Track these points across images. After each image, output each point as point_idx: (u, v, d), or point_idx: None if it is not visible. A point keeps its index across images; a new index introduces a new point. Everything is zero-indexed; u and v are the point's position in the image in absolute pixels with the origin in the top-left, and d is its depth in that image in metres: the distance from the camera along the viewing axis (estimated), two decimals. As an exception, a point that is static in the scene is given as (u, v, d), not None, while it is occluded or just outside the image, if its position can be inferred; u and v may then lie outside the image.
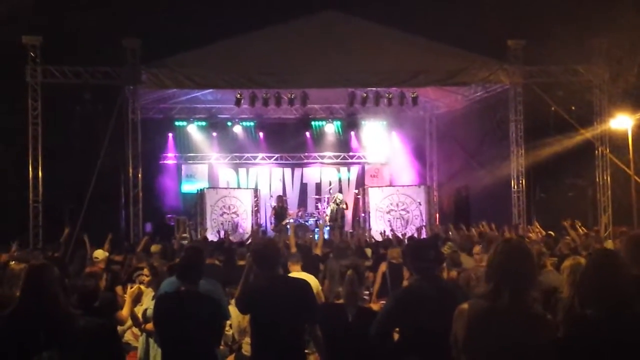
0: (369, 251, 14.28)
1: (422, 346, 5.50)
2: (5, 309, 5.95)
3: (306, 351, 6.73)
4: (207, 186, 27.24)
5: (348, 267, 6.88)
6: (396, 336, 5.92)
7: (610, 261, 4.46)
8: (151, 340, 8.30)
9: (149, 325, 7.96)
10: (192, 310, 6.25)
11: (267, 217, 27.20)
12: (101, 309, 7.16)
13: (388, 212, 25.15)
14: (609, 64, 21.29)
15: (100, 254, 12.42)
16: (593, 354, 4.15)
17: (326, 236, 24.60)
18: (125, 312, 7.99)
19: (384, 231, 20.49)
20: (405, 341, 5.69)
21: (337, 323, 6.52)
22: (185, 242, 21.27)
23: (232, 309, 7.89)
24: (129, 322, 9.00)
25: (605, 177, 22.18)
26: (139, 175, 21.86)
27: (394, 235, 19.90)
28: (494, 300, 4.11)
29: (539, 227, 18.68)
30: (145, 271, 9.47)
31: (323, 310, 7.00)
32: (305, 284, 6.59)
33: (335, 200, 26.35)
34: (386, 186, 27.23)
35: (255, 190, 26.94)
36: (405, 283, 7.15)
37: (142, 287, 9.07)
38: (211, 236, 22.49)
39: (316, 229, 25.79)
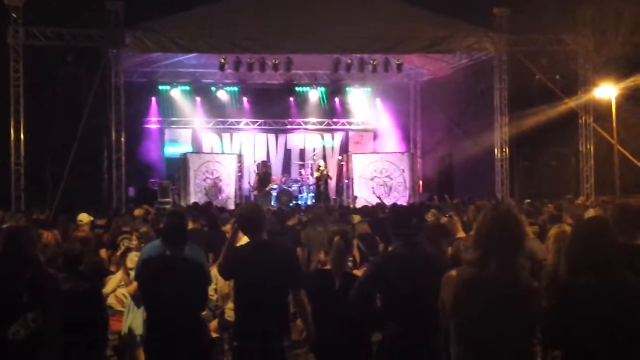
0: (357, 218, 14.28)
1: (402, 312, 5.51)
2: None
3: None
4: (191, 151, 27.16)
5: (335, 234, 6.88)
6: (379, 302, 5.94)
7: (599, 228, 4.49)
8: (131, 303, 8.29)
9: (130, 288, 7.97)
10: (178, 274, 6.27)
11: (250, 183, 27.16)
12: (86, 272, 7.16)
13: (372, 179, 25.19)
14: (593, 33, 21.28)
15: (84, 217, 12.39)
16: (582, 321, 4.18)
17: (309, 202, 24.75)
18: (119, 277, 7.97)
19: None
20: (385, 307, 5.70)
21: (324, 289, 6.54)
22: (167, 206, 21.35)
23: (214, 274, 7.89)
24: (112, 286, 9.01)
25: (588, 146, 22.32)
26: (122, 139, 21.77)
27: (381, 201, 19.97)
28: (481, 267, 4.12)
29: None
30: (134, 237, 9.44)
31: (310, 276, 7.02)
32: (289, 248, 6.59)
33: (319, 167, 26.32)
34: (370, 153, 27.26)
35: (239, 155, 26.85)
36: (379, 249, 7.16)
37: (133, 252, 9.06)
38: (193, 200, 22.48)
39: (299, 195, 25.85)
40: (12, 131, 20.48)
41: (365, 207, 17.39)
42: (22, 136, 20.54)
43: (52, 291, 6.04)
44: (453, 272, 4.26)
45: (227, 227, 9.70)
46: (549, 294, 4.56)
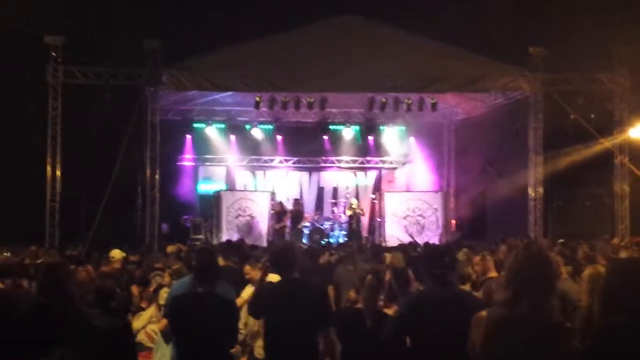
0: (388, 256, 14.17)
1: (433, 353, 5.47)
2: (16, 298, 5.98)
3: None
4: (224, 188, 27.29)
5: (368, 272, 6.85)
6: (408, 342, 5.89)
7: (635, 269, 4.42)
8: (161, 340, 8.31)
9: (161, 324, 7.98)
10: (209, 311, 6.27)
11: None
12: (117, 308, 7.18)
13: (404, 218, 25.09)
14: (630, 73, 21.16)
15: (116, 253, 12.45)
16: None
17: (340, 240, 24.69)
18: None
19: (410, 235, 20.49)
20: (416, 347, 5.65)
21: (356, 328, 6.50)
22: (199, 243, 21.47)
23: (243, 312, 7.88)
24: (143, 322, 9.02)
25: (623, 187, 22.04)
26: (157, 177, 21.89)
27: (413, 240, 19.85)
28: (512, 308, 4.09)
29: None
30: (166, 273, 9.48)
31: (341, 316, 6.99)
32: (319, 286, 6.57)
33: (351, 205, 26.26)
34: (403, 191, 27.17)
35: (272, 193, 26.93)
36: (411, 287, 7.11)
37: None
38: (226, 237, 22.54)
39: (331, 233, 25.80)
40: (48, 167, 20.74)
41: (397, 245, 17.29)
42: (58, 173, 20.79)
43: (83, 328, 6.05)
44: (483, 313, 4.23)
45: (247, 268, 9.71)
46: (582, 336, 4.50)
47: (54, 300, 5.90)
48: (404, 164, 29.33)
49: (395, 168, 29.52)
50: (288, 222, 25.71)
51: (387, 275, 11.15)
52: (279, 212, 25.30)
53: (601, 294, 4.52)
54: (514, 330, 4.05)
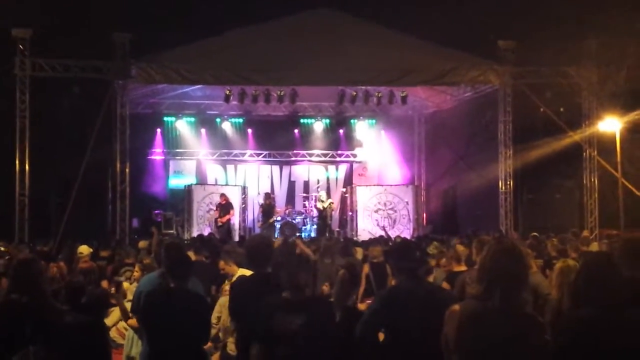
0: (359, 250, 14.20)
1: (407, 347, 5.49)
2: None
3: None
4: (195, 182, 27.19)
5: (342, 267, 6.86)
6: (382, 337, 5.90)
7: (604, 262, 4.48)
8: (135, 337, 8.27)
9: (132, 321, 7.94)
10: (182, 307, 6.23)
11: (254, 215, 27.14)
12: (89, 305, 7.12)
13: (376, 211, 25.17)
14: (598, 67, 21.34)
15: (84, 249, 12.41)
16: (587, 355, 4.15)
17: (312, 234, 24.71)
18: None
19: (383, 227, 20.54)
20: (389, 342, 5.66)
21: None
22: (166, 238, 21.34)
23: (220, 306, 7.85)
24: (114, 319, 8.97)
25: (592, 180, 22.25)
26: (127, 170, 21.74)
27: (386, 233, 19.95)
28: (485, 301, 4.12)
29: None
30: (136, 268, 9.43)
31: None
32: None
33: (320, 199, 26.18)
34: (374, 185, 27.22)
35: (243, 187, 26.87)
36: (389, 281, 7.14)
37: (126, 283, 9.05)
38: (197, 232, 22.46)
39: (303, 227, 25.80)
40: (17, 162, 20.47)
41: (368, 240, 17.34)
42: (27, 167, 20.54)
43: (55, 325, 6.00)
44: (456, 307, 4.26)
45: (222, 264, 9.67)
46: (556, 328, 4.54)
47: (26, 297, 5.84)
48: (374, 157, 29.37)
49: (366, 162, 29.52)
50: (232, 216, 25.10)
51: (366, 269, 11.22)
52: (222, 205, 24.88)
53: (571, 286, 4.58)
54: (486, 323, 4.08)
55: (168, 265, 6.67)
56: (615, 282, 4.32)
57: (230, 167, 29.04)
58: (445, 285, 8.59)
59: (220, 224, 24.03)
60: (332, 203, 26.44)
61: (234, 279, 7.47)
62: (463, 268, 9.17)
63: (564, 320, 4.50)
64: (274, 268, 6.12)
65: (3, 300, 5.85)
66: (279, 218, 25.70)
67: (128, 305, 8.37)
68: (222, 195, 24.62)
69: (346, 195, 27.56)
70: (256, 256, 6.33)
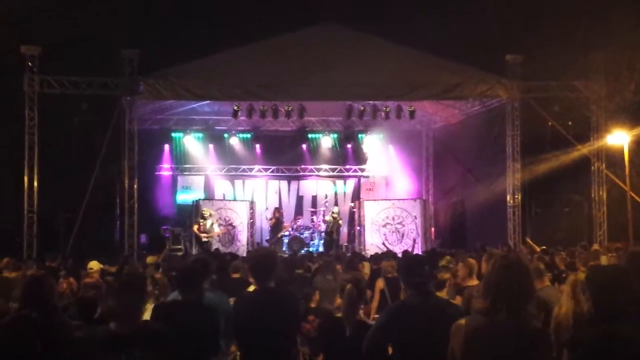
0: (367, 265, 14.15)
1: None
2: (1, 318, 5.94)
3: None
4: (203, 197, 27.20)
5: (348, 282, 6.85)
6: (390, 351, 5.89)
7: (613, 276, 4.48)
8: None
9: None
10: (186, 321, 6.21)
11: (262, 230, 27.12)
12: (101, 319, 7.12)
13: (384, 226, 25.10)
14: (606, 80, 21.32)
15: (94, 264, 12.38)
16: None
17: (320, 249, 24.68)
18: None
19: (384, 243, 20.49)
20: (398, 356, 5.65)
21: (336, 337, 6.49)
22: (179, 253, 21.35)
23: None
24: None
25: (601, 193, 22.21)
26: (135, 186, 21.80)
27: (388, 250, 19.91)
28: (491, 316, 4.10)
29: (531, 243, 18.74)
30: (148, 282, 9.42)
31: (322, 324, 6.98)
32: (292, 296, 6.55)
33: (332, 213, 26.19)
34: (382, 199, 27.17)
35: (251, 202, 26.87)
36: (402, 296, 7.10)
37: None
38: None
39: (311, 242, 25.77)
40: (25, 178, 20.56)
41: (376, 254, 17.29)
42: (35, 183, 20.63)
43: (66, 340, 6.01)
44: (462, 321, 4.25)
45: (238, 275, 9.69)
46: (560, 343, 4.53)
47: (36, 313, 5.86)
48: (382, 172, 29.35)
49: (374, 176, 29.50)
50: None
51: (380, 284, 11.16)
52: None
53: (596, 301, 4.55)
54: (492, 338, 4.07)
55: (176, 278, 6.65)
56: (627, 296, 4.31)
57: (238, 182, 29.05)
58: (458, 299, 8.55)
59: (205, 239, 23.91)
60: (338, 214, 26.32)
61: None
62: (475, 282, 9.12)
63: (574, 335, 4.48)
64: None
65: (14, 316, 5.86)
66: (286, 233, 25.69)
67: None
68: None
69: (354, 209, 27.51)
70: (258, 269, 6.31)
